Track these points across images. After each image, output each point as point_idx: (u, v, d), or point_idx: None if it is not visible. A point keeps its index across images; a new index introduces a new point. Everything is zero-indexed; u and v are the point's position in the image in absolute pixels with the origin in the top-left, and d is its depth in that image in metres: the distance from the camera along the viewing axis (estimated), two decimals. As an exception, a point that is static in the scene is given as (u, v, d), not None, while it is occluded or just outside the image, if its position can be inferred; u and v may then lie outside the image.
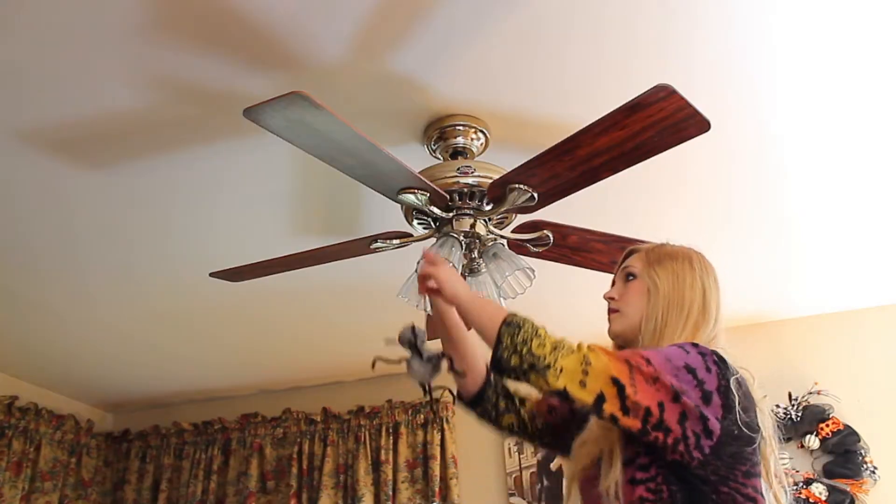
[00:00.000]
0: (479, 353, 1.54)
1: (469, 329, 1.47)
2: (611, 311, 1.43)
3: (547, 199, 1.81)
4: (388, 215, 2.17)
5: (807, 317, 3.27)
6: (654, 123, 1.51)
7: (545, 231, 1.99)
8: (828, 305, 3.21)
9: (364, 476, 3.47)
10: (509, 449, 3.47)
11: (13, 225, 2.40)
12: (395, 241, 1.98)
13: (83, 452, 3.84)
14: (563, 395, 1.17)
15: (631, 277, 1.43)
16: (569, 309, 2.77)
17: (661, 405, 1.16)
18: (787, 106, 1.99)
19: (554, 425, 1.51)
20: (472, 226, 1.87)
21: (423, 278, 1.46)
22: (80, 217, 2.36)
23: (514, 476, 3.41)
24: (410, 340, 1.51)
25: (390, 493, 3.42)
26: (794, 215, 2.51)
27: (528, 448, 3.41)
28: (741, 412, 1.22)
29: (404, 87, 1.86)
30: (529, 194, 1.77)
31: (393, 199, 1.83)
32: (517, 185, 1.77)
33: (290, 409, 3.78)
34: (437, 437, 3.48)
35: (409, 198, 1.79)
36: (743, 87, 1.91)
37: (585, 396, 1.16)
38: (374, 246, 1.99)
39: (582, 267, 2.13)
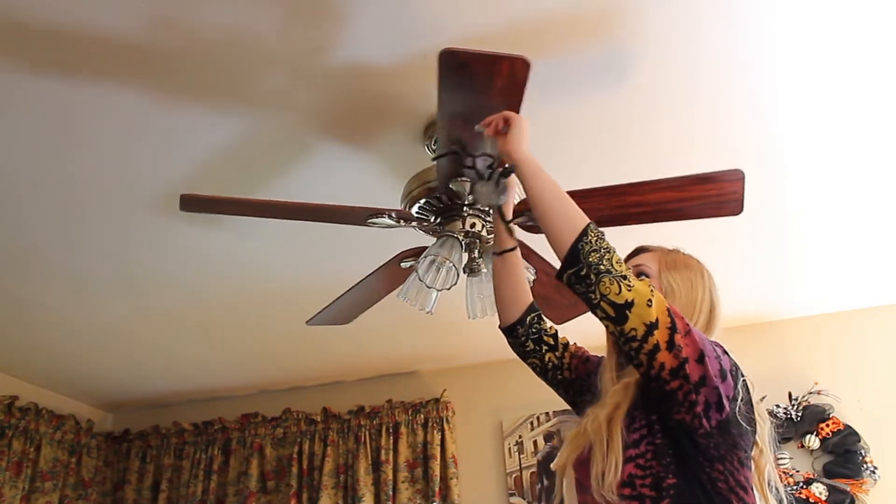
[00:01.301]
0: (527, 287, 1.63)
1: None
2: None
3: None
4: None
5: (807, 317, 3.27)
6: (707, 196, 1.59)
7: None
8: (828, 305, 3.21)
9: (364, 476, 3.48)
10: (509, 449, 3.47)
11: (14, 226, 2.40)
12: (392, 220, 1.87)
13: (83, 452, 3.84)
14: (624, 308, 1.18)
15: (643, 276, 1.43)
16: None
17: (686, 360, 1.18)
18: (787, 106, 1.99)
19: (570, 381, 1.56)
20: (473, 226, 1.86)
21: (502, 117, 1.46)
22: (79, 217, 2.37)
23: (514, 476, 3.41)
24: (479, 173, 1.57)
25: (390, 493, 3.42)
26: (794, 215, 2.51)
27: (528, 448, 3.41)
28: (742, 405, 1.24)
29: (405, 88, 1.86)
30: None
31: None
32: None
33: (291, 409, 3.79)
34: (437, 437, 3.48)
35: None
36: (743, 87, 1.91)
37: (645, 316, 1.17)
38: (370, 220, 1.88)
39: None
